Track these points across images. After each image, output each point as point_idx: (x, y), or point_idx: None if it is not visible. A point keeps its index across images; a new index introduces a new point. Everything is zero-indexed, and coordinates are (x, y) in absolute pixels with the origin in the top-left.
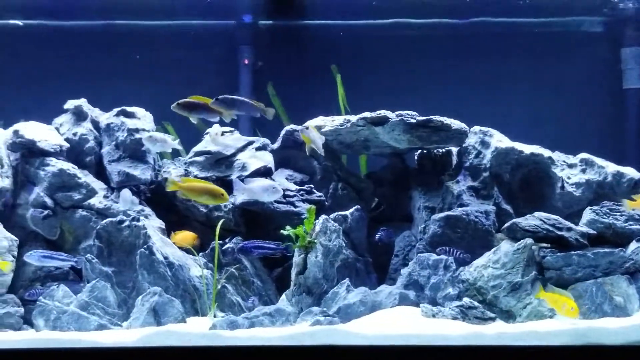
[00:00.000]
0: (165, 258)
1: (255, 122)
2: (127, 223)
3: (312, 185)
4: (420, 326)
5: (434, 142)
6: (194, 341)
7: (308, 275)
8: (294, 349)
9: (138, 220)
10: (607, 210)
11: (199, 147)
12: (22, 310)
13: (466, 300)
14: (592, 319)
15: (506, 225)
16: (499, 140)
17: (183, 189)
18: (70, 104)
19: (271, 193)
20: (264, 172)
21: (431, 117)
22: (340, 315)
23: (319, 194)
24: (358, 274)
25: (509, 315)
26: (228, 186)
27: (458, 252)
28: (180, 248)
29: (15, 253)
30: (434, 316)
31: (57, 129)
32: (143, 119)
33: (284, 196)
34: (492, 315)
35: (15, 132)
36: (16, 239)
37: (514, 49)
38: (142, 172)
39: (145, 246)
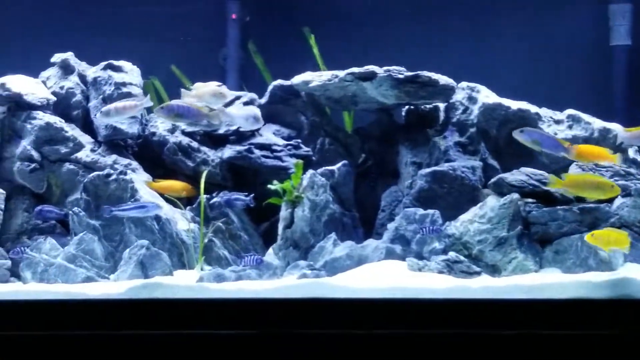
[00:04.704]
0: None
1: (242, 77)
2: (114, 177)
3: (299, 140)
4: (407, 280)
5: (421, 97)
6: (180, 293)
7: (295, 230)
8: (280, 302)
9: (125, 173)
10: (593, 166)
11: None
12: (9, 262)
13: (452, 254)
14: (576, 273)
15: (493, 180)
16: (486, 96)
17: (568, 185)
18: (57, 57)
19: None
20: None
21: (419, 72)
22: (326, 269)
23: (306, 148)
24: (345, 228)
25: (494, 270)
26: (215, 140)
27: None
28: (168, 201)
29: (2, 206)
30: (420, 270)
31: (43, 82)
32: (130, 72)
33: (272, 151)
34: (478, 269)
35: (2, 85)
36: (3, 192)
37: (504, 3)
38: (129, 126)
39: (132, 199)
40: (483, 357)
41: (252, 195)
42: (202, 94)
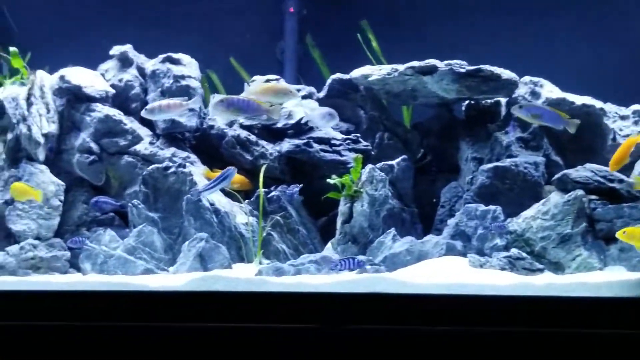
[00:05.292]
0: (212, 204)
1: (299, 70)
2: (173, 169)
3: (358, 135)
4: (468, 276)
5: (483, 92)
6: (240, 286)
7: (354, 224)
8: (340, 296)
9: (184, 166)
10: None
11: (243, 96)
12: (68, 254)
13: (514, 251)
14: None
15: (557, 176)
16: (550, 90)
17: None
18: (115, 49)
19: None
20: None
21: (481, 66)
22: (386, 264)
23: (365, 143)
24: (404, 224)
25: (557, 267)
26: (274, 134)
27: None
28: (226, 194)
29: (62, 197)
30: (481, 266)
31: (102, 75)
32: (189, 65)
33: (330, 145)
34: (541, 266)
35: (62, 78)
36: (63, 183)
37: None
38: (188, 119)
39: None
40: (548, 355)
41: (299, 186)
42: (266, 92)
